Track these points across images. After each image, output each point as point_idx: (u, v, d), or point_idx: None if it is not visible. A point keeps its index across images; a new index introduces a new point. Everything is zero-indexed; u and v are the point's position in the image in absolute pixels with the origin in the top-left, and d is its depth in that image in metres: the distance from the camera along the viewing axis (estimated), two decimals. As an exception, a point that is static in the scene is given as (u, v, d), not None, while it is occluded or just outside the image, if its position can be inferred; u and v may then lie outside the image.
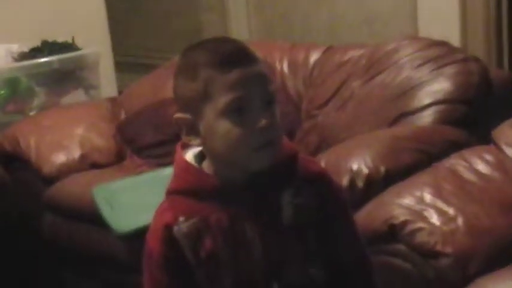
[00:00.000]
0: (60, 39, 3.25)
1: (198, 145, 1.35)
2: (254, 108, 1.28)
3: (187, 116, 1.32)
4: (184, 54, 1.35)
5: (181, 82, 1.33)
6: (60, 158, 2.83)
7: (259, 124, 1.28)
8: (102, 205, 2.48)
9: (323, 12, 3.23)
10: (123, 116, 3.07)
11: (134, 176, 2.67)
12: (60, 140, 2.88)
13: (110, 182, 2.61)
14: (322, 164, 2.00)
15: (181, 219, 1.33)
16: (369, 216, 1.92)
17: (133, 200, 2.45)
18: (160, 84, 2.97)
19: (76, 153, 2.86)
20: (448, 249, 1.82)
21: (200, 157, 1.37)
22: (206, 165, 1.36)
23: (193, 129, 1.32)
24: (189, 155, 1.37)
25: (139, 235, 1.66)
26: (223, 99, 1.27)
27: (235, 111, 1.27)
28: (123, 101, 3.15)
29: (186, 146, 1.38)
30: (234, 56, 1.29)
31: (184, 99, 1.32)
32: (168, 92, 2.88)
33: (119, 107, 3.12)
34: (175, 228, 1.33)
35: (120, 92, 3.40)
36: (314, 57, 2.80)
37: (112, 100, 3.19)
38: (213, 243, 1.33)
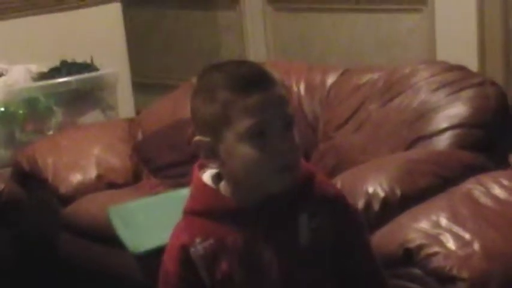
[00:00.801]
0: (79, 60, 3.26)
1: (217, 168, 1.36)
2: (274, 131, 1.28)
3: (206, 139, 1.32)
4: (201, 76, 1.35)
5: (199, 104, 1.33)
6: (77, 177, 2.83)
7: (280, 147, 1.28)
8: (118, 225, 2.49)
9: (341, 35, 3.24)
10: (140, 136, 3.09)
11: (150, 196, 2.67)
12: (77, 160, 2.88)
13: (125, 202, 2.61)
14: (339, 186, 2.01)
15: (197, 240, 1.34)
16: (384, 239, 1.92)
17: (149, 220, 2.46)
18: (178, 105, 2.98)
19: (93, 173, 2.86)
20: (465, 274, 1.82)
21: (217, 178, 1.37)
22: (223, 187, 1.36)
23: (212, 152, 1.32)
24: (207, 176, 1.38)
25: (155, 255, 1.67)
26: (243, 124, 1.28)
27: (256, 136, 1.28)
28: (140, 122, 3.17)
29: (203, 167, 1.39)
30: (252, 79, 1.30)
31: (202, 122, 1.33)
32: (185, 112, 2.87)
33: (136, 128, 3.14)
34: (192, 249, 1.34)
35: (137, 113, 3.42)
36: (331, 79, 2.80)
37: (129, 120, 3.20)
38: (229, 265, 1.33)
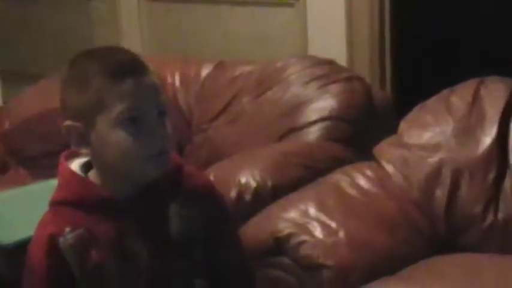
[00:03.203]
0: None
1: (87, 155, 1.34)
2: (148, 118, 1.28)
3: (78, 124, 1.31)
4: (73, 63, 1.34)
5: (71, 92, 1.31)
6: None
7: (153, 133, 1.28)
8: (-16, 217, 2.40)
9: (217, 29, 3.25)
10: (7, 125, 2.98)
11: (18, 187, 2.59)
12: None
13: (-8, 193, 2.53)
14: (211, 177, 2.01)
15: (67, 229, 1.32)
16: (255, 229, 1.94)
17: (17, 212, 2.38)
18: (47, 94, 2.90)
19: None
20: (330, 262, 1.86)
21: (86, 167, 1.36)
22: (93, 176, 1.35)
23: (83, 138, 1.31)
24: (75, 165, 1.36)
25: (21, 248, 1.61)
26: (116, 109, 1.27)
27: (129, 121, 1.28)
28: (8, 111, 3.06)
29: (71, 156, 1.37)
30: (126, 65, 1.30)
31: (75, 109, 1.31)
32: (55, 102, 2.82)
33: (4, 117, 3.03)
34: (61, 239, 1.31)
35: (5, 102, 3.30)
36: (205, 71, 2.80)
37: None
38: (100, 255, 1.32)
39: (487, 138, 2.10)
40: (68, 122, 1.32)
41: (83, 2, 3.65)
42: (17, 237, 2.23)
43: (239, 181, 2.12)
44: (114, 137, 1.28)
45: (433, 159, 2.12)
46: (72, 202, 1.34)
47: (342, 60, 2.81)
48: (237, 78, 2.69)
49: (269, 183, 2.13)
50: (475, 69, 2.37)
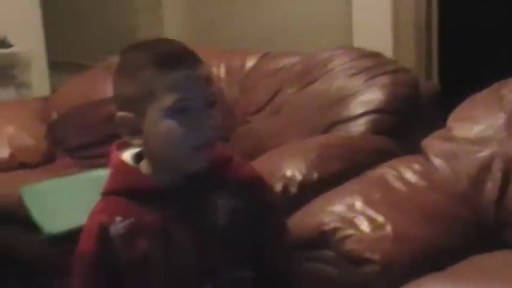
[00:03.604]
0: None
1: (139, 145, 1.36)
2: (196, 109, 1.30)
3: (130, 114, 1.32)
4: (125, 54, 1.35)
5: (123, 83, 1.33)
6: (-12, 157, 2.79)
7: (202, 124, 1.30)
8: (31, 206, 2.44)
9: (259, 18, 3.25)
10: (55, 116, 3.03)
11: (64, 176, 2.64)
12: (-11, 139, 2.84)
13: (38, 182, 2.57)
14: (257, 169, 2.02)
15: (117, 219, 1.33)
16: (300, 222, 1.93)
17: (64, 201, 2.43)
18: (93, 85, 2.95)
19: (5, 153, 2.83)
20: (376, 256, 1.84)
21: (137, 158, 1.37)
22: (144, 166, 1.36)
23: (135, 128, 1.32)
24: (126, 156, 1.38)
25: (70, 237, 1.64)
26: (167, 100, 1.28)
27: (179, 111, 1.29)
28: (54, 101, 3.12)
29: (122, 146, 1.38)
30: (177, 56, 1.31)
31: (126, 99, 1.32)
32: (100, 92, 2.87)
33: (51, 107, 3.08)
34: (112, 228, 1.33)
35: (53, 92, 3.35)
36: (250, 63, 2.82)
37: (43, 99, 3.16)
38: (147, 244, 1.33)
39: None
40: (120, 113, 1.33)
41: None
42: (63, 227, 2.28)
43: (284, 174, 2.12)
44: (164, 126, 1.29)
45: (483, 153, 2.09)
46: (123, 192, 1.35)
47: (387, 50, 2.79)
48: (281, 69, 2.70)
49: (314, 176, 2.13)
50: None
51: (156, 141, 1.31)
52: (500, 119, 2.13)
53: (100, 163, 2.12)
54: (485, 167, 2.07)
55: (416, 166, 2.13)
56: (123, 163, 1.37)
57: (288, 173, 2.12)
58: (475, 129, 2.15)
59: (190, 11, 3.46)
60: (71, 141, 2.89)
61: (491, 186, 2.05)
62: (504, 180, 2.04)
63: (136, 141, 1.34)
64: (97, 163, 2.51)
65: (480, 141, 2.12)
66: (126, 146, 1.38)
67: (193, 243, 1.34)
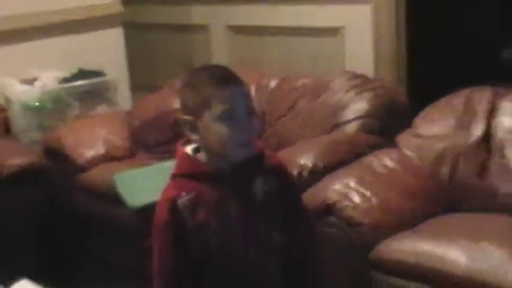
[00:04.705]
0: (92, 68, 3.21)
1: (196, 140, 1.34)
2: (240, 116, 1.29)
3: (190, 118, 1.31)
4: (190, 74, 1.35)
5: (187, 94, 1.32)
6: (89, 152, 2.78)
7: (243, 127, 1.29)
8: (121, 187, 2.45)
9: (281, 53, 3.22)
10: (136, 123, 3.05)
11: (144, 166, 2.65)
12: (90, 140, 2.84)
13: (126, 170, 2.58)
14: (281, 159, 2.01)
15: (183, 194, 1.32)
16: (312, 197, 1.94)
17: (144, 183, 2.43)
18: (162, 100, 2.95)
19: (101, 150, 2.81)
20: (366, 221, 1.86)
21: (195, 151, 1.36)
22: (201, 156, 1.35)
23: (193, 128, 1.31)
24: (188, 149, 1.37)
25: (149, 208, 1.64)
26: (219, 108, 1.27)
27: (227, 118, 1.28)
28: (136, 112, 3.12)
29: (185, 144, 1.37)
30: (227, 77, 1.30)
31: (188, 106, 1.32)
32: (168, 105, 2.88)
33: (132, 117, 3.09)
34: (179, 201, 1.31)
35: (134, 106, 3.37)
36: (273, 83, 2.79)
37: (127, 112, 3.15)
38: (205, 214, 1.32)
39: (477, 131, 2.07)
40: (183, 116, 1.32)
41: (186, 34, 3.68)
42: (144, 201, 2.30)
43: (299, 163, 2.12)
44: (216, 128, 1.28)
45: (439, 145, 2.10)
46: (187, 175, 1.34)
47: (370, 73, 2.78)
48: (297, 88, 2.67)
49: (321, 164, 2.13)
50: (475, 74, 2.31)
51: (209, 139, 1.30)
52: (451, 121, 2.13)
53: (169, 156, 2.12)
54: (441, 156, 2.07)
55: (394, 155, 2.13)
56: (186, 154, 1.35)
57: (302, 162, 2.12)
58: (434, 129, 2.15)
59: (232, 46, 3.46)
60: (148, 141, 2.90)
61: (445, 169, 2.06)
62: (454, 164, 2.04)
63: (194, 136, 1.32)
64: (167, 156, 2.52)
65: (437, 137, 2.12)
66: (187, 142, 1.37)
67: (240, 214, 1.32)
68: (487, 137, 2.05)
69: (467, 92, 2.18)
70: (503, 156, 2.00)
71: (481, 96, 2.13)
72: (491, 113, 2.08)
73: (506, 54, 2.74)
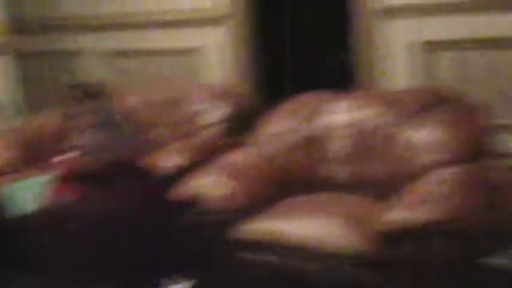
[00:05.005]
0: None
1: None
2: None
3: None
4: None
5: None
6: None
7: None
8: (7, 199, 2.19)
9: (152, 69, 3.02)
10: (25, 140, 2.79)
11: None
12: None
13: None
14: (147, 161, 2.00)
15: None
16: (180, 191, 1.95)
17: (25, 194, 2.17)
18: (48, 120, 2.77)
19: None
20: (226, 207, 1.92)
21: None
22: None
23: None
24: None
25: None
26: None
27: None
28: (25, 131, 2.85)
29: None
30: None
31: None
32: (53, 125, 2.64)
33: (23, 135, 2.82)
34: None
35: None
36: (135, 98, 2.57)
37: (18, 130, 2.88)
38: None
39: (306, 128, 2.16)
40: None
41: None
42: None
43: (169, 163, 2.15)
44: None
45: (289, 139, 2.19)
46: None
47: (228, 83, 2.74)
48: (163, 100, 2.56)
49: (186, 164, 2.19)
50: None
51: None
52: (293, 121, 2.23)
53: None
54: (292, 148, 2.16)
55: (246, 152, 2.20)
56: None
57: (171, 162, 2.15)
58: (273, 128, 2.25)
59: (110, 70, 3.25)
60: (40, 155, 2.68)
61: (297, 158, 2.14)
62: (306, 155, 2.13)
63: None
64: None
65: (285, 133, 2.20)
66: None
67: None
68: (312, 133, 2.15)
69: (300, 97, 2.28)
70: (322, 148, 2.13)
71: (309, 100, 2.25)
72: (316, 113, 2.18)
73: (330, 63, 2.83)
